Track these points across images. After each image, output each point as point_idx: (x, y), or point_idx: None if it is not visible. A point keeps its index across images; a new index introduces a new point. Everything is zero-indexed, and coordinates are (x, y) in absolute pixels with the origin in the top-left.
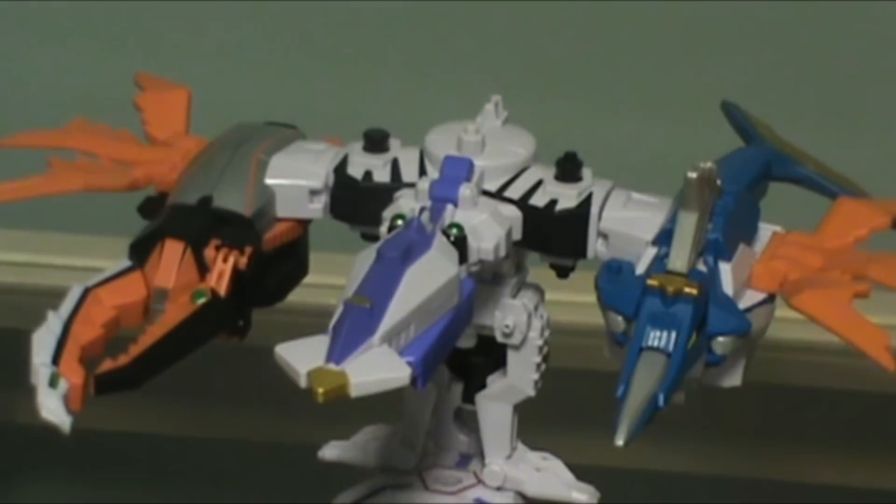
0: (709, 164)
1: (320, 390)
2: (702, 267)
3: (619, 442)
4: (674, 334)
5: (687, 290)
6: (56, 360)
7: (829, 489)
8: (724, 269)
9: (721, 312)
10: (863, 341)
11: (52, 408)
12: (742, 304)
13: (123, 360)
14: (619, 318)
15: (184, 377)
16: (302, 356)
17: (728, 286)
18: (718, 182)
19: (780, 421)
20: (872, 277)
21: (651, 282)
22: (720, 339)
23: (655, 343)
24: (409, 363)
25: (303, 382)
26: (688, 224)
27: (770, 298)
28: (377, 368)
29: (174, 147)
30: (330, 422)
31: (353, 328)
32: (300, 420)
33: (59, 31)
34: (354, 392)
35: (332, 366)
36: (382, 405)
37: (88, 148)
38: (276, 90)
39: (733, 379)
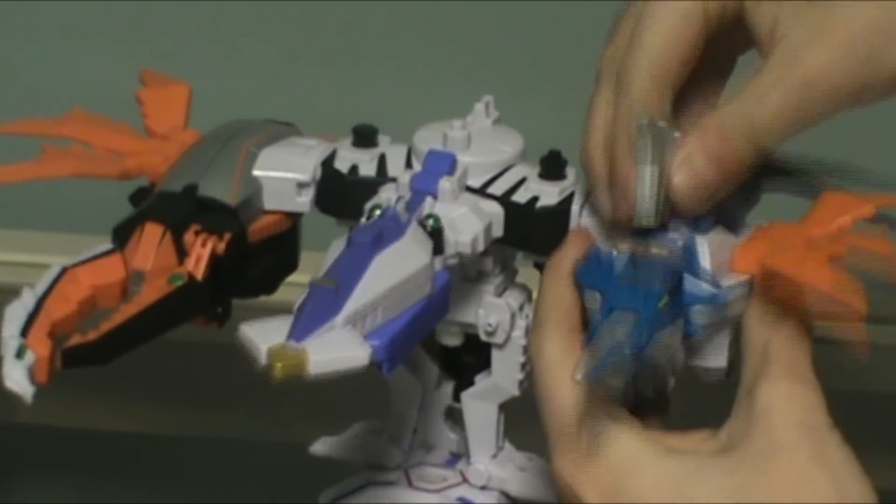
0: (661, 123)
1: (278, 365)
2: (677, 238)
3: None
4: (643, 291)
5: (655, 250)
6: (25, 332)
7: None
8: (701, 241)
9: (695, 280)
10: (835, 290)
11: (16, 378)
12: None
13: (93, 335)
14: (597, 294)
15: (183, 377)
16: (264, 334)
17: (705, 259)
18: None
19: None
20: (852, 243)
21: (621, 245)
22: (696, 306)
23: (625, 302)
24: (374, 346)
25: (263, 359)
26: (646, 175)
27: (749, 283)
28: (337, 347)
29: (171, 140)
30: (323, 420)
31: (316, 308)
32: (297, 419)
33: (60, 30)
34: (313, 369)
35: (292, 343)
36: (375, 402)
37: (84, 137)
38: (276, 89)
39: (718, 359)
